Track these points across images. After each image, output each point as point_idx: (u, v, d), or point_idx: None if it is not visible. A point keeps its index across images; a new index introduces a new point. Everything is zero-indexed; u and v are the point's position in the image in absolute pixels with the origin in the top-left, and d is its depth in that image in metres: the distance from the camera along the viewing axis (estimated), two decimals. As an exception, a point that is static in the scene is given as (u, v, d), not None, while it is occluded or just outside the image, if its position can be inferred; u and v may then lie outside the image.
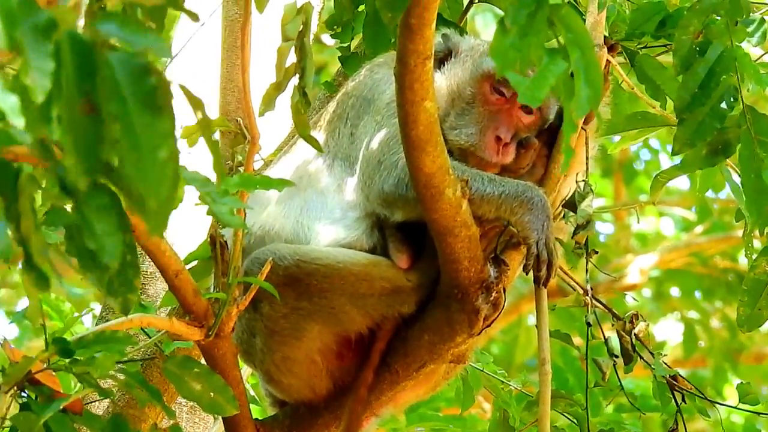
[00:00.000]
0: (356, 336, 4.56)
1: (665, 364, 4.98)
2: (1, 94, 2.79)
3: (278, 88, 4.08)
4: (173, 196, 2.91)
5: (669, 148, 5.48)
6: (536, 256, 4.40)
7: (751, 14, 4.68)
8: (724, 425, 5.19)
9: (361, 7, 5.31)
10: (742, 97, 4.61)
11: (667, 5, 4.86)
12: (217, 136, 5.74)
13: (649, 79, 4.87)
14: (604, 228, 13.18)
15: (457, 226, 4.34)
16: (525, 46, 3.36)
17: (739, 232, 6.33)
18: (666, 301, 12.95)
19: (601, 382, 4.91)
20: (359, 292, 4.48)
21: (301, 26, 4.04)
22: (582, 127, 4.59)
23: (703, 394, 5.02)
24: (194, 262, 4.53)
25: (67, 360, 3.92)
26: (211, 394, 4.09)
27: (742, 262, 12.02)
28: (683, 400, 4.98)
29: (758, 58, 4.87)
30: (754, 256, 4.78)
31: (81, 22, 2.93)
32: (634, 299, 10.54)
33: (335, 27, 5.41)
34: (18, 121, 2.79)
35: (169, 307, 5.07)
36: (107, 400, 5.36)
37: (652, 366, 4.90)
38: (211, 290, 4.25)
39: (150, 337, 4.77)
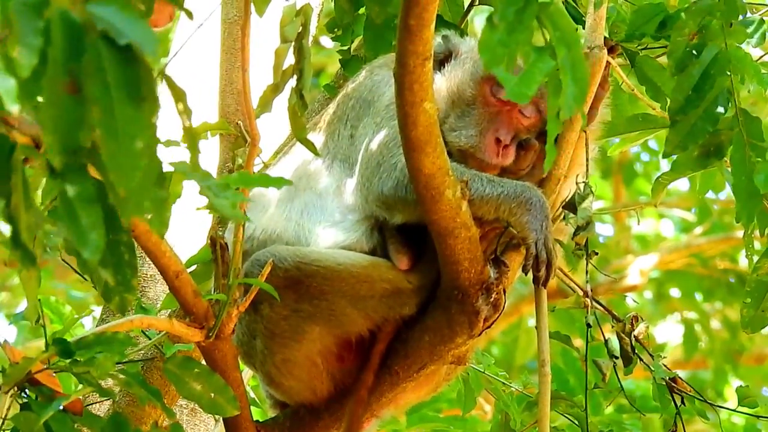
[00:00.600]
0: (357, 338, 4.55)
1: (665, 366, 4.98)
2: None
3: (275, 89, 4.07)
4: (147, 187, 2.89)
5: (664, 150, 5.47)
6: (535, 256, 4.41)
7: (750, 15, 4.68)
8: (725, 426, 5.19)
9: (362, 10, 5.31)
10: (735, 99, 4.61)
11: (667, 6, 4.86)
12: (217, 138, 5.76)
13: (650, 81, 4.87)
14: (604, 229, 13.19)
15: (457, 228, 4.34)
16: (513, 43, 3.38)
17: (739, 233, 6.32)
18: (666, 302, 12.94)
19: (601, 384, 4.91)
20: (360, 294, 4.48)
21: (300, 28, 4.04)
22: (582, 129, 4.59)
23: (702, 396, 5.02)
24: (195, 266, 4.53)
25: (68, 361, 3.91)
26: (212, 394, 4.09)
27: (743, 263, 12.01)
28: (682, 402, 4.98)
29: (758, 59, 4.87)
30: (755, 258, 4.78)
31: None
32: (634, 300, 10.55)
33: (336, 29, 5.41)
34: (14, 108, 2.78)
35: (170, 310, 5.07)
36: (109, 402, 5.36)
37: (652, 368, 4.90)
38: (212, 292, 4.25)
39: (150, 340, 4.77)
